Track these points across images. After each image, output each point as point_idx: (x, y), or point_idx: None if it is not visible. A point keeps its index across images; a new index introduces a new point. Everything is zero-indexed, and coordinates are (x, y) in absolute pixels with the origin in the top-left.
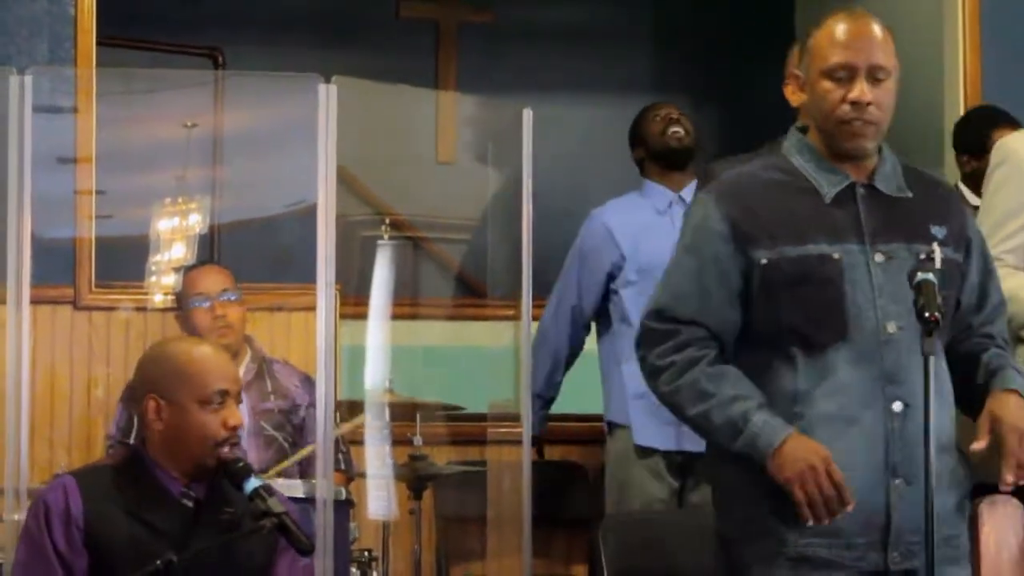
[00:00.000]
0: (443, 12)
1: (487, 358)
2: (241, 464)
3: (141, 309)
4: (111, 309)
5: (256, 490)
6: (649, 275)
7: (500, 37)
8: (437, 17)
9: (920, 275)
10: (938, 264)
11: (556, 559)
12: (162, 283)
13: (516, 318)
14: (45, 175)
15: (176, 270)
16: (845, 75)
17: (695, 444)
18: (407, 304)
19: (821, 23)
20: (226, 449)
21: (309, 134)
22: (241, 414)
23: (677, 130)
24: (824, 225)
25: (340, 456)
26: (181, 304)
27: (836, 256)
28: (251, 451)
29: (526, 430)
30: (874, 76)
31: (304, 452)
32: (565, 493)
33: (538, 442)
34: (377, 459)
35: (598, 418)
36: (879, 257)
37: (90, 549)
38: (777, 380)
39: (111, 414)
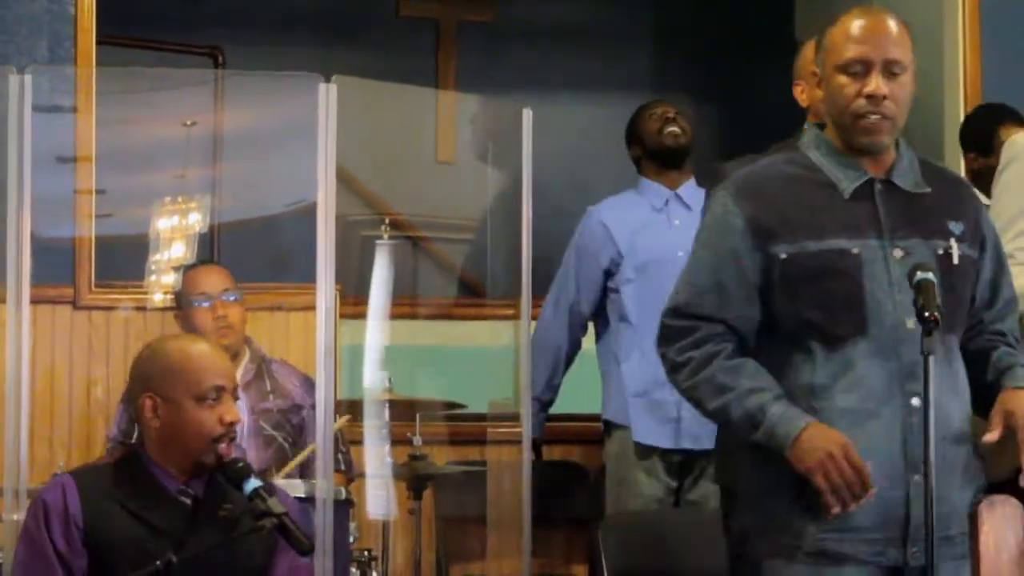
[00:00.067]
0: (443, 11)
1: (487, 358)
2: (241, 464)
3: (141, 308)
4: (111, 308)
5: (256, 490)
6: (647, 272)
7: (500, 36)
8: (437, 16)
9: (920, 274)
10: (955, 260)
11: (556, 559)
12: (162, 282)
13: (516, 317)
14: (45, 174)
15: (176, 269)
16: (861, 69)
17: (693, 443)
18: (407, 304)
19: (837, 20)
20: (224, 445)
21: (309, 133)
22: (239, 412)
23: (673, 128)
24: (843, 220)
25: (340, 456)
26: (181, 304)
27: (855, 251)
28: (250, 451)
29: (526, 429)
30: (890, 70)
31: (305, 453)
32: (565, 493)
33: (536, 445)
34: (377, 459)
35: (597, 418)
36: (897, 252)
37: (89, 548)
38: (796, 374)
39: (111, 414)
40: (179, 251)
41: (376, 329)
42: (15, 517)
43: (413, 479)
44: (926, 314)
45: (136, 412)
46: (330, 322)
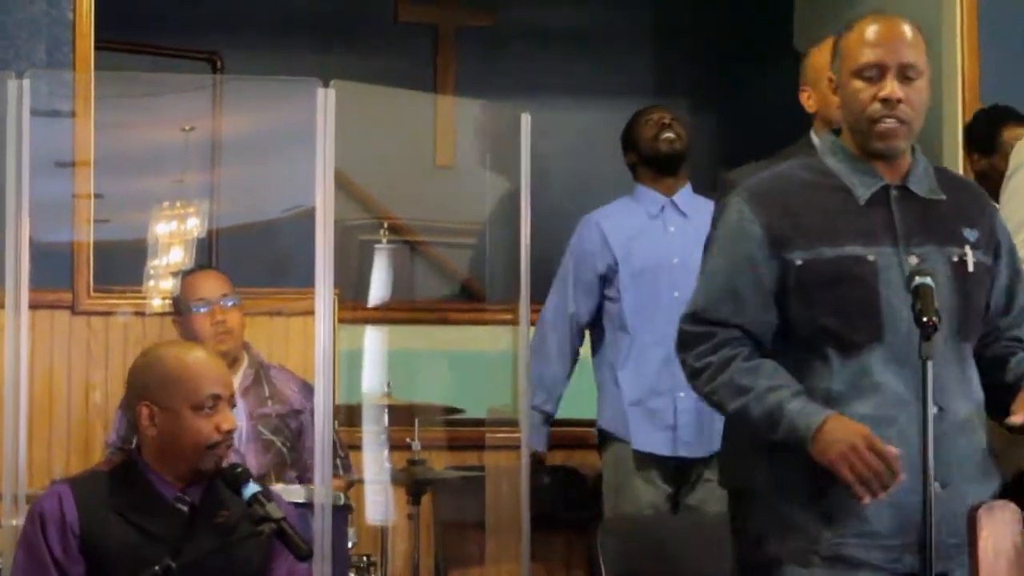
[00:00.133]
0: (442, 15)
1: (485, 363)
2: (239, 469)
3: (139, 314)
4: (109, 314)
5: (255, 495)
6: (643, 280)
7: (499, 40)
8: (436, 21)
9: (918, 279)
10: (970, 268)
11: (555, 564)
12: (160, 287)
13: (515, 322)
14: (43, 179)
15: (174, 274)
16: (875, 74)
17: (689, 450)
18: (405, 308)
19: (853, 25)
20: (220, 453)
21: (307, 138)
22: (237, 418)
23: (669, 135)
24: (858, 227)
25: (339, 462)
26: (180, 309)
27: (871, 258)
28: (249, 456)
29: (524, 434)
30: (905, 75)
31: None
32: (564, 497)
33: (539, 460)
34: (375, 464)
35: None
36: (912, 260)
37: (87, 556)
38: (812, 381)
39: (109, 419)
40: (177, 256)
41: (375, 334)
42: (14, 522)
43: (412, 484)
44: (924, 319)
45: (133, 420)
46: (329, 327)
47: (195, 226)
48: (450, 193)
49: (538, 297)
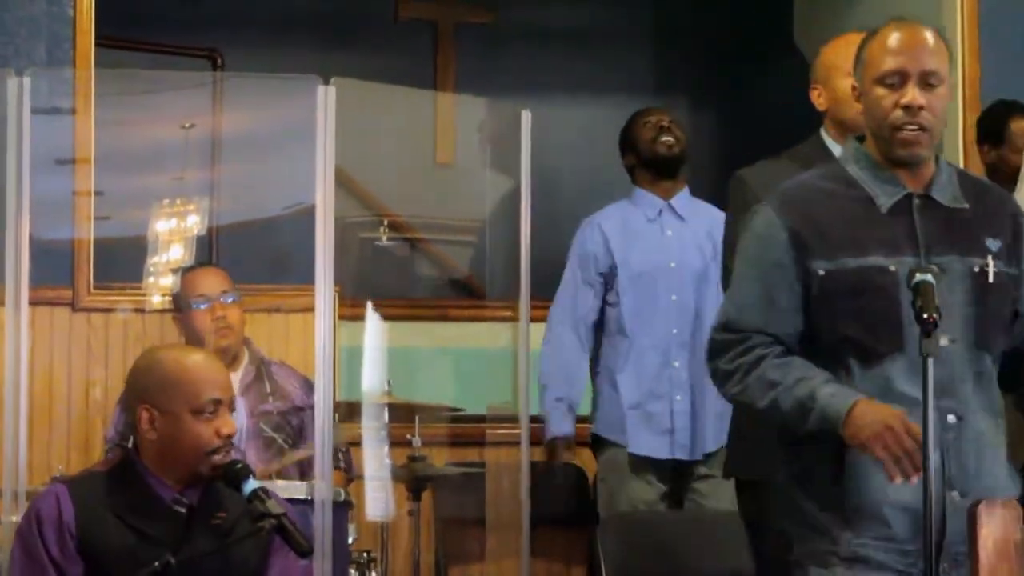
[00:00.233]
0: (442, 13)
1: (485, 359)
2: (240, 466)
3: (139, 310)
4: (109, 311)
5: (255, 491)
6: (640, 283)
7: (499, 38)
8: (436, 18)
9: (918, 276)
10: (991, 278)
11: (555, 560)
12: (160, 284)
13: (515, 319)
14: (43, 176)
15: (174, 271)
16: (897, 81)
17: (685, 453)
18: (405, 305)
19: (875, 32)
20: (219, 457)
21: (307, 135)
22: (238, 417)
23: (668, 138)
24: (880, 237)
25: (340, 455)
26: (180, 306)
27: (892, 268)
28: (250, 452)
29: (524, 431)
30: (926, 82)
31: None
32: (564, 494)
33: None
34: (376, 460)
35: None
36: (933, 270)
37: (84, 556)
38: None
39: (109, 415)
40: (178, 253)
41: (375, 331)
42: (13, 519)
43: (412, 480)
44: (924, 315)
45: (133, 423)
46: (329, 324)
47: (195, 223)
48: (450, 190)
49: (538, 294)
